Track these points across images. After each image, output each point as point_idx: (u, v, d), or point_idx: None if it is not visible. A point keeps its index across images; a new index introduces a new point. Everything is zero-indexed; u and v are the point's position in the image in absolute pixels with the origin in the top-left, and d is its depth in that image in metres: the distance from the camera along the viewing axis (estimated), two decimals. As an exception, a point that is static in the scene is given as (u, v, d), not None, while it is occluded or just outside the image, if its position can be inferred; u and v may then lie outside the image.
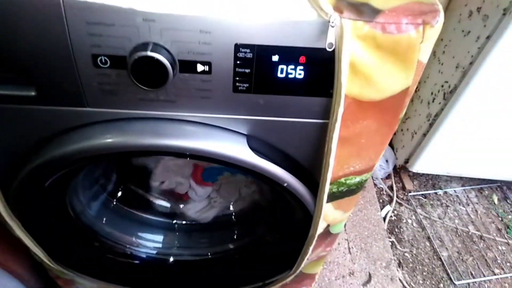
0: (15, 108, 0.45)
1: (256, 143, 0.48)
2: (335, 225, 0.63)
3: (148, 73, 0.40)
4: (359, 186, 0.56)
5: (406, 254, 1.33)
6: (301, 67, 0.42)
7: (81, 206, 0.66)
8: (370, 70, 0.41)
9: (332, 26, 0.38)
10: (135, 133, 0.46)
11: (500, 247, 1.37)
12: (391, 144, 1.60)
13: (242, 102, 0.45)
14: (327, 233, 0.64)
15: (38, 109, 0.45)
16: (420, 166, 1.44)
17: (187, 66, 0.41)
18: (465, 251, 1.34)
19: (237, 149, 0.47)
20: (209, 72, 0.42)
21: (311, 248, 0.61)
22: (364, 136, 0.47)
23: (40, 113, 0.45)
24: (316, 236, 0.59)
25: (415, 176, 1.58)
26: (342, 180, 0.53)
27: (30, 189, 0.53)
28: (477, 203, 1.51)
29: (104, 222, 0.70)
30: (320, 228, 0.58)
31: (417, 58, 0.40)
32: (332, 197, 0.55)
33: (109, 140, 0.45)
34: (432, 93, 1.36)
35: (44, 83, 0.43)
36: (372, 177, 1.56)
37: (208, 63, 0.41)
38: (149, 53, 0.38)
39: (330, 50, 0.39)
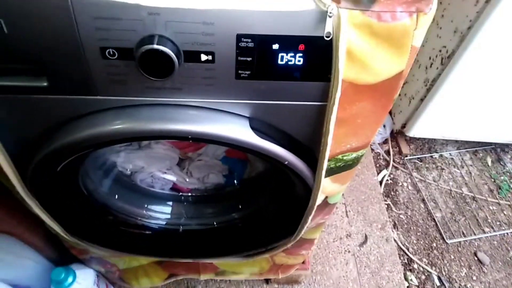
0: (29, 98, 0.47)
1: (258, 125, 0.51)
2: (333, 197, 0.67)
3: (155, 65, 0.42)
4: (355, 161, 0.59)
5: (401, 216, 1.39)
6: (300, 55, 0.44)
7: (93, 185, 0.70)
8: (366, 56, 0.43)
9: (330, 16, 0.40)
10: (144, 119, 0.48)
11: (491, 207, 1.43)
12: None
13: (244, 88, 0.47)
14: (325, 204, 0.68)
15: (50, 98, 0.47)
16: (417, 130, 1.47)
17: (192, 56, 0.43)
18: (458, 211, 1.41)
19: (239, 131, 0.50)
20: (212, 61, 0.44)
21: (310, 217, 0.66)
22: (360, 117, 0.50)
23: (52, 102, 0.48)
24: (315, 207, 0.63)
25: (411, 140, 1.62)
26: (340, 156, 0.56)
27: (44, 172, 0.56)
28: (471, 165, 1.56)
29: (116, 197, 0.75)
30: (319, 200, 0.62)
31: (411, 43, 0.42)
32: (330, 172, 0.58)
33: (119, 126, 0.48)
34: (430, 58, 1.36)
35: (55, 74, 0.45)
36: (369, 142, 1.59)
37: (212, 53, 0.43)
38: (155, 46, 0.40)
39: (328, 39, 0.41)
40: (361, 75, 0.45)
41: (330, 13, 0.39)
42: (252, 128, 0.51)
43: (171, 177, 0.81)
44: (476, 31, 1.14)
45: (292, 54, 0.44)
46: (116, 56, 0.43)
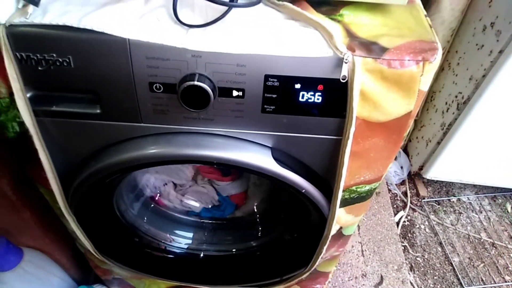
0: (82, 122, 0.54)
1: (279, 155, 0.57)
2: (347, 227, 0.71)
3: (194, 98, 0.49)
4: (369, 194, 0.63)
5: (418, 258, 1.38)
6: (319, 93, 0.50)
7: (125, 206, 0.76)
8: (377, 97, 0.49)
9: (346, 63, 0.46)
10: (179, 145, 0.55)
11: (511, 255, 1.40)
12: (406, 151, 1.66)
13: (269, 120, 0.53)
14: (340, 235, 0.71)
15: (100, 123, 0.55)
16: (434, 173, 1.49)
17: (225, 91, 0.50)
18: (476, 257, 1.39)
19: (262, 159, 0.56)
20: (242, 97, 0.50)
21: (325, 247, 0.69)
22: (373, 151, 0.55)
23: (101, 127, 0.55)
24: (330, 237, 0.67)
25: (429, 182, 1.63)
26: (354, 188, 0.61)
27: (86, 190, 0.63)
28: (490, 211, 1.55)
29: (144, 220, 0.80)
30: (334, 230, 0.66)
31: (418, 88, 0.48)
32: (345, 203, 0.63)
33: (158, 151, 0.55)
34: (446, 103, 1.41)
35: (108, 104, 0.52)
36: (386, 182, 1.61)
37: (242, 90, 0.50)
38: (196, 83, 0.47)
39: (344, 81, 0.47)
40: (373, 114, 0.50)
41: (346, 59, 0.46)
42: (274, 157, 0.56)
43: (195, 204, 0.86)
44: (491, 79, 1.19)
45: (312, 93, 0.50)
46: (161, 90, 0.50)
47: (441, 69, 1.45)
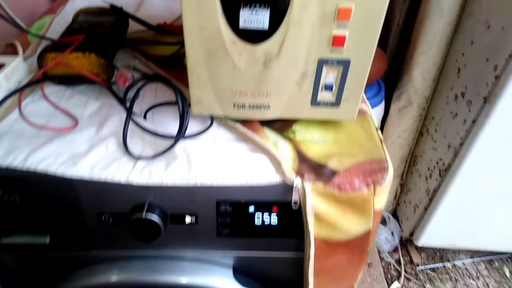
0: (32, 253, 0.52)
1: (241, 274, 0.54)
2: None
3: (144, 231, 0.47)
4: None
5: (416, 335, 1.30)
6: (274, 215, 0.49)
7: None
8: (333, 219, 0.47)
9: (295, 190, 0.45)
10: (134, 271, 0.52)
11: (515, 325, 1.33)
12: (396, 216, 1.62)
13: (226, 242, 0.51)
14: None
15: (50, 253, 0.52)
16: (425, 239, 1.45)
17: (177, 218, 0.49)
18: (478, 330, 1.31)
19: (223, 281, 0.53)
20: (196, 222, 0.49)
21: None
22: (338, 268, 0.53)
23: (52, 256, 0.53)
24: None
25: (422, 248, 1.58)
26: (324, 301, 0.57)
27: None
28: (487, 276, 1.49)
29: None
30: None
31: (373, 208, 0.47)
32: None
33: (112, 279, 0.52)
34: (428, 169, 1.40)
35: (57, 235, 0.50)
36: (378, 251, 1.56)
37: (195, 215, 0.49)
38: (144, 216, 0.46)
39: (296, 207, 0.46)
40: (331, 233, 0.49)
41: (295, 186, 0.45)
42: (236, 277, 0.54)
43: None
44: (469, 148, 1.18)
45: (267, 216, 0.49)
46: (110, 221, 0.48)
47: (420, 133, 1.46)
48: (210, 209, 0.48)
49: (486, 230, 1.38)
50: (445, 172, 1.29)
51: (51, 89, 0.57)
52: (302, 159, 0.48)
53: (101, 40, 0.59)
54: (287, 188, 0.46)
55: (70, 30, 0.62)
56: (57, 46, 0.56)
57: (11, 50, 0.69)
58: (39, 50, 0.67)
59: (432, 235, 1.43)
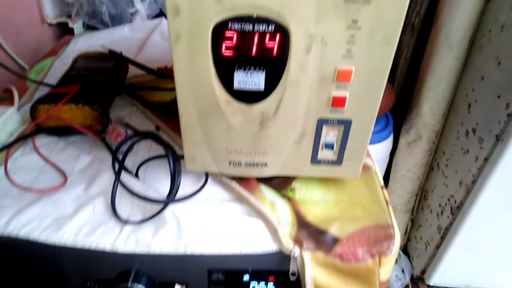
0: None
1: None
2: None
3: (130, 301, 0.44)
4: None
5: None
6: (271, 285, 0.45)
7: None
8: (335, 290, 0.43)
9: (293, 260, 0.42)
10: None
11: None
12: (406, 252, 1.56)
13: (220, 310, 0.47)
14: None
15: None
16: (437, 278, 1.38)
17: (166, 286, 0.45)
18: None
19: None
20: (186, 291, 0.46)
21: None
22: None
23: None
24: None
25: (434, 287, 1.51)
26: None
27: None
28: (505, 320, 1.40)
29: None
30: None
31: (378, 280, 0.43)
32: None
33: None
34: (440, 205, 1.35)
35: (41, 300, 0.47)
36: (388, 290, 1.49)
37: (185, 283, 0.45)
38: (130, 285, 0.43)
39: (294, 279, 0.43)
40: (333, 305, 0.45)
41: (293, 255, 0.41)
42: None
43: None
44: (481, 186, 1.13)
45: (263, 285, 0.45)
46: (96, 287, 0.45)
47: (430, 168, 1.41)
48: (202, 278, 0.45)
49: (501, 270, 1.32)
50: (457, 210, 1.24)
51: (43, 140, 0.56)
52: (301, 223, 0.44)
53: (97, 89, 0.58)
54: (284, 256, 0.43)
55: (67, 78, 0.61)
56: (50, 97, 0.54)
57: (9, 95, 0.68)
58: (35, 97, 0.66)
59: (445, 274, 1.37)
